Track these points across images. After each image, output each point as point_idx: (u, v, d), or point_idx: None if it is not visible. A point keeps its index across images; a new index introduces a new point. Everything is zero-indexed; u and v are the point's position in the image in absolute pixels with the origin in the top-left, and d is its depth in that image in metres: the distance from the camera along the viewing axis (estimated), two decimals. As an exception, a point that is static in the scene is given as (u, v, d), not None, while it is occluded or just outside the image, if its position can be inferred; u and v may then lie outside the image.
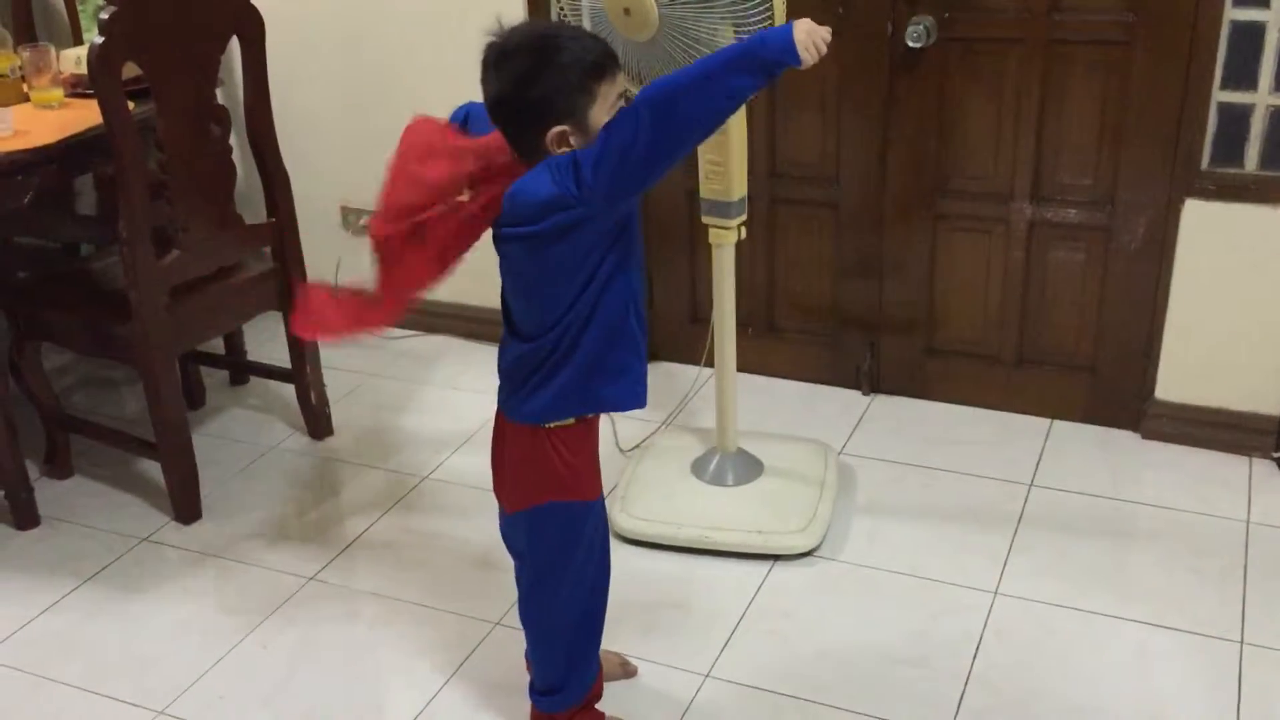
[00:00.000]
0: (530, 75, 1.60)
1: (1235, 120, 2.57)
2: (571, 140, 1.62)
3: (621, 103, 1.66)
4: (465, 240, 1.69)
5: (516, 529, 1.91)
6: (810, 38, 1.61)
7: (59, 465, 2.89)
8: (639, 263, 1.78)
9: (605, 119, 1.63)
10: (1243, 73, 2.53)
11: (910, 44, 2.72)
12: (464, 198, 1.66)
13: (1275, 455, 2.75)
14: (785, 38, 1.61)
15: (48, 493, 2.80)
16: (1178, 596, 2.35)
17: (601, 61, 1.63)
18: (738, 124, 2.33)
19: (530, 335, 1.75)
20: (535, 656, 1.98)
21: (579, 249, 1.67)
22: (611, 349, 1.76)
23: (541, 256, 1.68)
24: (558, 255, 1.67)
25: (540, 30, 1.68)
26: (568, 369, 1.74)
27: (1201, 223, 2.67)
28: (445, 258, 1.69)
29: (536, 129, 1.62)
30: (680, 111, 1.60)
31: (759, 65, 1.61)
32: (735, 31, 2.10)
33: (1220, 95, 2.56)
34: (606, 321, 1.73)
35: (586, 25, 2.26)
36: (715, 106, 1.62)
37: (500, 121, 1.66)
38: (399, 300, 1.72)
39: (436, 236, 1.66)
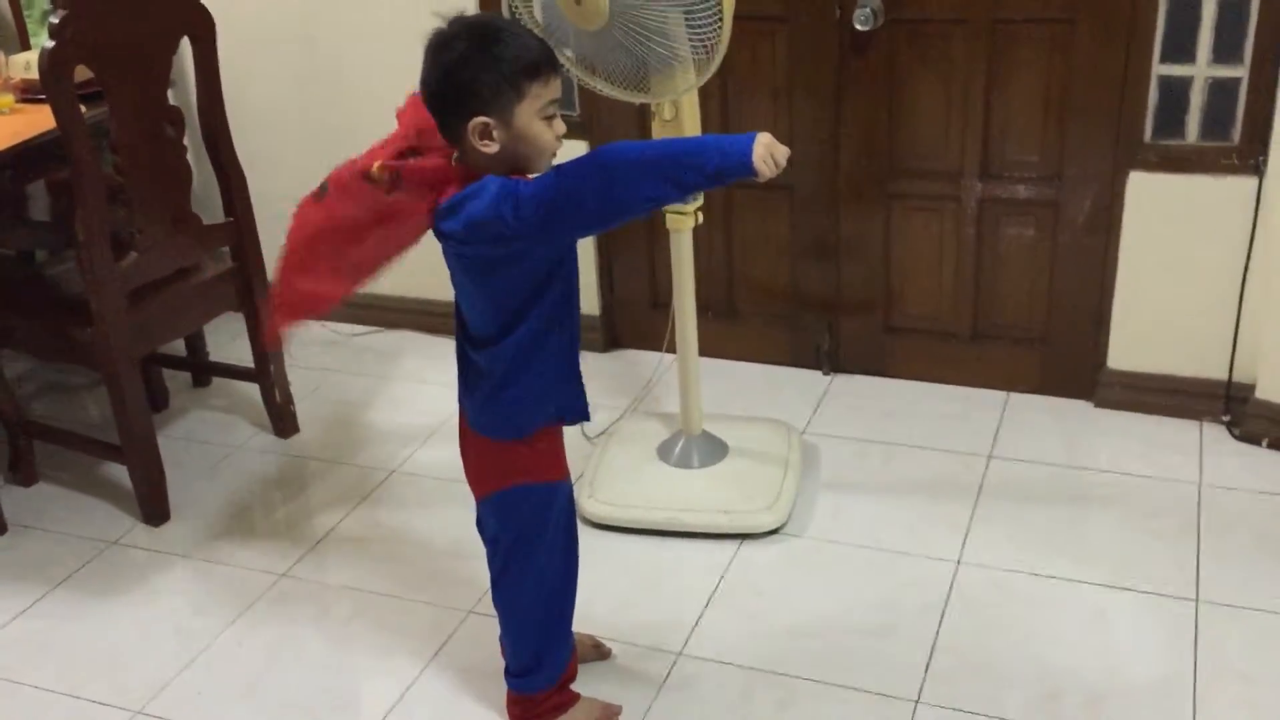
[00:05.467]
0: (461, 63, 1.62)
1: (1175, 93, 2.63)
2: (494, 134, 1.63)
3: (554, 109, 1.67)
4: (403, 237, 1.75)
5: (487, 514, 1.93)
6: (769, 151, 1.61)
7: (24, 472, 2.87)
8: (576, 309, 1.82)
9: (534, 121, 1.64)
10: (1181, 46, 2.59)
11: (858, 27, 2.76)
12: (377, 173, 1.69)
13: (1224, 419, 2.82)
14: (745, 150, 1.60)
15: (13, 500, 2.79)
16: (1134, 558, 2.41)
17: (537, 62, 1.63)
18: (690, 112, 2.35)
19: (476, 340, 1.80)
20: (508, 639, 2.00)
21: (505, 281, 1.71)
22: (556, 383, 1.81)
23: (471, 276, 1.73)
24: (484, 281, 1.72)
25: (484, 21, 1.68)
26: (512, 391, 1.79)
27: (1146, 194, 2.73)
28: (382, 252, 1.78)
29: (460, 117, 1.64)
30: (628, 182, 1.62)
31: (713, 171, 1.62)
32: (685, 18, 2.12)
33: (1160, 69, 2.62)
34: (549, 360, 1.78)
35: (538, 16, 2.28)
36: (659, 192, 1.63)
37: (430, 106, 1.68)
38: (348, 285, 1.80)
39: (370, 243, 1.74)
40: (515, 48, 1.62)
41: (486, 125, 1.63)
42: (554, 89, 1.66)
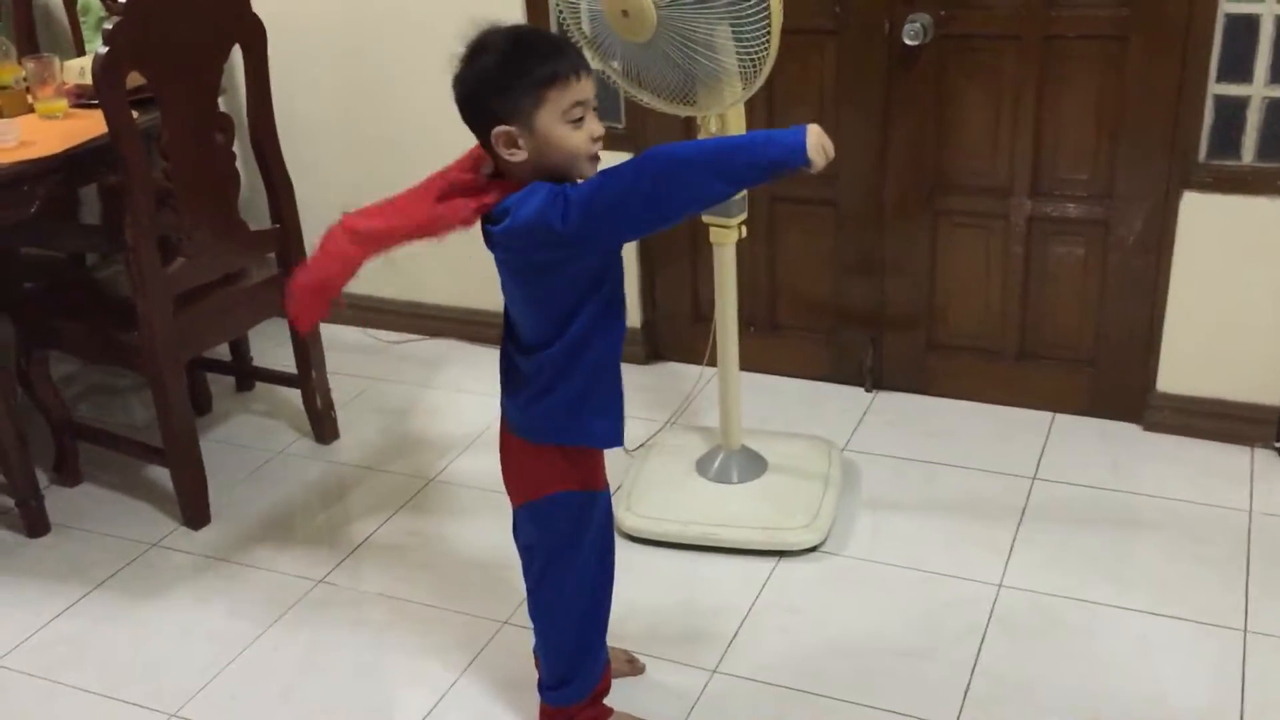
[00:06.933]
0: (479, 75, 1.63)
1: (1231, 112, 2.58)
2: (520, 142, 1.63)
3: (580, 110, 1.63)
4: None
5: (525, 522, 1.92)
6: (820, 141, 1.60)
7: (68, 473, 2.91)
8: (623, 313, 1.80)
9: (557, 125, 1.62)
10: (1238, 65, 2.55)
11: (907, 42, 2.74)
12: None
13: (1276, 445, 2.76)
14: (798, 140, 1.59)
15: (57, 500, 2.82)
16: (1181, 586, 2.36)
17: (553, 69, 1.61)
18: (737, 125, 2.34)
19: (524, 346, 1.79)
20: (542, 649, 1.99)
21: (555, 286, 1.70)
22: (598, 387, 1.79)
23: (520, 281, 1.73)
24: (535, 285, 1.71)
25: (502, 31, 1.66)
26: (556, 395, 1.77)
27: (1199, 215, 2.68)
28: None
29: (486, 127, 1.64)
30: (679, 181, 1.60)
31: (767, 163, 1.61)
32: (733, 31, 2.11)
33: (1216, 88, 2.58)
34: (595, 362, 1.76)
35: (585, 28, 2.28)
36: (712, 188, 1.62)
37: (463, 116, 1.68)
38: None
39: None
40: (529, 56, 1.61)
41: (510, 134, 1.63)
42: (576, 91, 1.63)
